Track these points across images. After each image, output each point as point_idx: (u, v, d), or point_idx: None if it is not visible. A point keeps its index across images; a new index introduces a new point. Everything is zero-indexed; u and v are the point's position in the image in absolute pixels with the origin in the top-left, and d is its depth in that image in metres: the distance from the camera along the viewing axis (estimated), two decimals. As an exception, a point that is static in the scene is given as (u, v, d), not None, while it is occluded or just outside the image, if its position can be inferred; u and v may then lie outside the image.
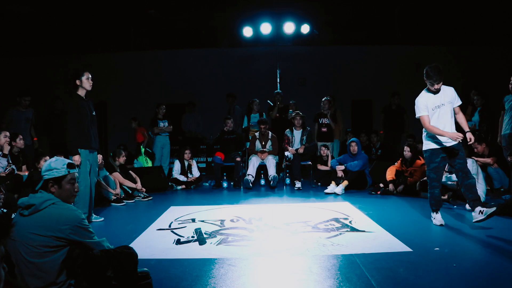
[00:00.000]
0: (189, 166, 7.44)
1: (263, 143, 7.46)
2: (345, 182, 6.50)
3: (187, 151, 7.39)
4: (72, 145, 4.41)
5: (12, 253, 2.13)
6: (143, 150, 7.78)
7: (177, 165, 7.37)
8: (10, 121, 6.59)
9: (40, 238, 2.12)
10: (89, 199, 4.52)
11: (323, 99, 8.03)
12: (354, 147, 6.78)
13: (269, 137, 7.48)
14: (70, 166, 2.35)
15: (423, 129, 4.37)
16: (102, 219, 4.79)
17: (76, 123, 4.41)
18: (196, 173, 7.46)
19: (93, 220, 4.63)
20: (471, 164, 5.41)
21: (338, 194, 6.33)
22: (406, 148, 6.45)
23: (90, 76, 4.52)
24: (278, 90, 8.77)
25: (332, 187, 6.52)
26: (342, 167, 6.69)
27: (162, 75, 10.57)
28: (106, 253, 2.25)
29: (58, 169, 2.31)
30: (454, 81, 9.73)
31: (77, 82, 4.49)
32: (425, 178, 6.10)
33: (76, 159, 4.36)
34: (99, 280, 2.21)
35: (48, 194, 2.26)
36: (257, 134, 7.58)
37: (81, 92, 4.52)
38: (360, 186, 6.72)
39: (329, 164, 7.25)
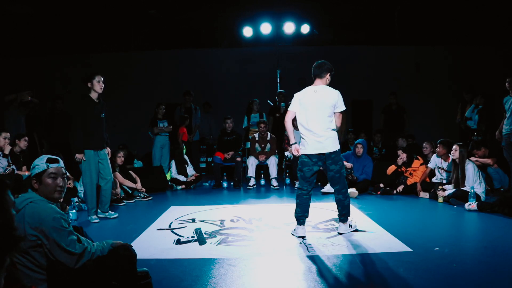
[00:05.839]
0: (185, 162, 7.46)
1: (262, 145, 7.45)
2: (355, 193, 6.11)
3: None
4: (76, 145, 4.63)
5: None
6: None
7: (173, 165, 7.39)
8: None
9: None
10: (96, 195, 4.79)
11: None
12: (359, 149, 6.62)
13: (268, 139, 7.46)
14: (50, 161, 2.27)
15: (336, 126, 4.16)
16: (117, 215, 4.99)
17: (79, 124, 4.61)
18: (191, 170, 7.46)
19: (107, 217, 4.90)
20: (472, 169, 5.36)
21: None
22: (399, 153, 6.40)
23: (101, 79, 4.72)
24: (280, 90, 8.75)
25: (328, 187, 6.50)
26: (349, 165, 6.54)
27: (162, 75, 10.56)
28: (103, 256, 2.21)
29: (38, 165, 2.25)
30: (453, 81, 9.86)
31: (89, 84, 4.69)
32: (424, 178, 6.17)
33: (79, 157, 4.62)
34: (99, 281, 2.19)
35: (29, 193, 2.19)
36: (256, 135, 7.55)
37: (93, 95, 4.72)
38: (362, 190, 6.61)
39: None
